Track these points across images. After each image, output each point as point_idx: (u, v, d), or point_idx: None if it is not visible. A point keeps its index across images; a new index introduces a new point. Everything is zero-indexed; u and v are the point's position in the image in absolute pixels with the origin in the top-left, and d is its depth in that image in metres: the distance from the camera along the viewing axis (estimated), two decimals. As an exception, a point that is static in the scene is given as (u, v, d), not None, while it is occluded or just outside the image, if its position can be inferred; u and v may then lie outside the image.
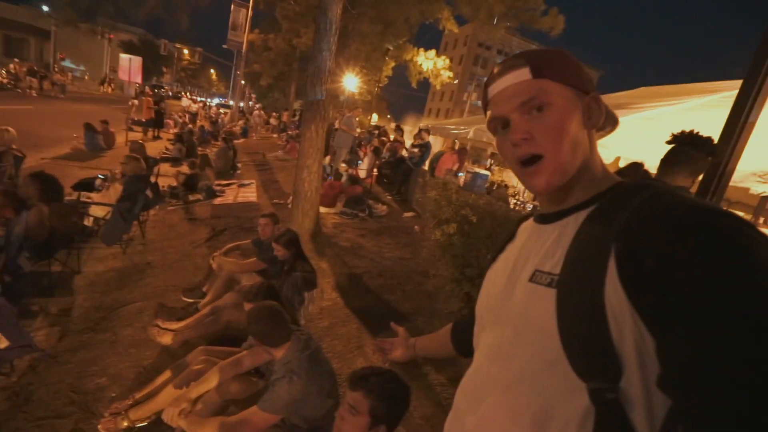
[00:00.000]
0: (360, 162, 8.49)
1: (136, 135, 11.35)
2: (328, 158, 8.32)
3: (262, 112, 14.82)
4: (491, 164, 10.36)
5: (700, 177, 1.91)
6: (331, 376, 1.82)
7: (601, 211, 0.56)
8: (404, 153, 8.31)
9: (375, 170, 8.49)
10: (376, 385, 1.22)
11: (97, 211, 4.01)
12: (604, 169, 0.63)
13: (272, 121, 20.90)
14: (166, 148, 10.25)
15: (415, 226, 5.81)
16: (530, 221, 0.72)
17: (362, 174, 7.91)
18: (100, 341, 2.59)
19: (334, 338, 3.00)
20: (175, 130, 12.52)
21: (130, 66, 9.84)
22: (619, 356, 0.48)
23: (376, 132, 11.70)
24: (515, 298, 0.63)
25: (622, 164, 3.97)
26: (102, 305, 2.99)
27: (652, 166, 1.89)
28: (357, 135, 9.42)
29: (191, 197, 6.24)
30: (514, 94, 0.60)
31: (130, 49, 31.39)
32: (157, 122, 12.64)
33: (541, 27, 7.73)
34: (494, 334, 0.67)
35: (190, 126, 13.37)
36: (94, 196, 4.34)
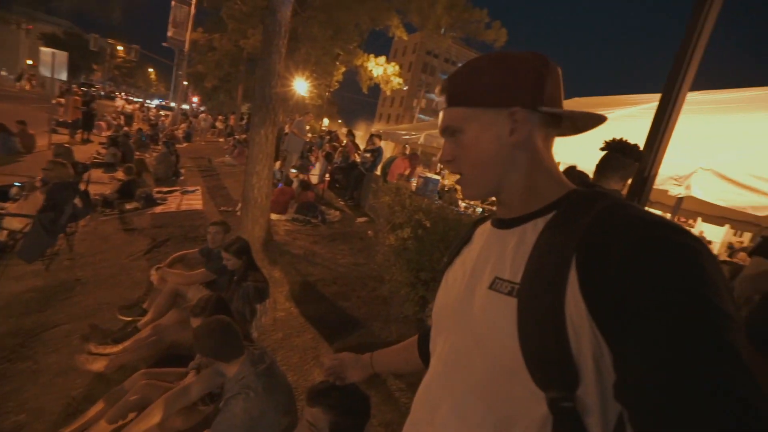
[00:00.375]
0: (312, 167, 8.36)
1: (62, 138, 10.32)
2: (278, 163, 8.10)
3: (209, 116, 14.03)
4: (441, 169, 10.66)
5: (629, 181, 2.10)
6: (288, 391, 1.75)
7: (560, 219, 0.57)
8: (356, 158, 8.31)
9: (327, 175, 8.40)
10: (335, 400, 1.18)
11: (12, 224, 3.57)
12: (557, 177, 0.63)
13: (218, 124, 19.98)
14: (98, 153, 9.41)
15: (369, 231, 5.82)
16: (487, 225, 0.71)
17: (314, 179, 7.79)
18: (17, 372, 2.29)
19: (289, 350, 2.91)
20: (108, 133, 11.54)
21: (53, 61, 8.90)
22: (577, 366, 0.48)
23: (328, 137, 11.60)
24: (474, 305, 0.62)
25: (561, 168, 4.27)
26: (20, 330, 2.66)
27: (586, 169, 2.04)
28: (308, 140, 9.28)
29: (128, 206, 5.77)
30: (440, 121, 0.67)
31: (53, 42, 28.49)
32: (86, 124, 11.58)
33: (486, 38, 8.13)
34: (452, 341, 0.66)
35: (126, 129, 12.40)
36: (10, 206, 3.87)
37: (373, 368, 1.05)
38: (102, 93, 35.28)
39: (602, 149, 1.86)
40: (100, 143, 10.71)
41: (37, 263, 3.48)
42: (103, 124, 13.44)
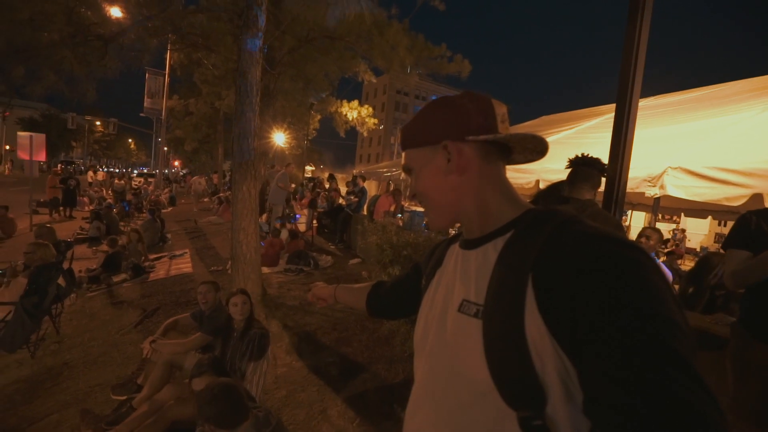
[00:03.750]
0: (297, 216, 8.39)
1: (43, 218, 10.22)
2: (264, 216, 8.12)
3: (202, 178, 13.81)
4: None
5: (603, 188, 2.19)
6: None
7: (516, 239, 0.59)
8: (341, 201, 8.39)
9: (314, 222, 8.42)
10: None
11: (-5, 314, 3.45)
12: (511, 198, 0.66)
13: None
14: (82, 228, 9.32)
15: (363, 272, 5.77)
16: (456, 246, 0.74)
17: (302, 227, 7.79)
18: (5, 474, 2.14)
19: (294, 407, 2.79)
20: (91, 207, 11.49)
21: (31, 144, 8.98)
22: (543, 384, 0.49)
23: (311, 185, 11.74)
24: (447, 329, 0.64)
25: (542, 185, 4.39)
26: (5, 428, 2.50)
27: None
28: (291, 190, 9.38)
29: (115, 278, 5.65)
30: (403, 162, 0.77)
31: (30, 125, 28.90)
32: (67, 200, 11.54)
33: (450, 72, 8.52)
34: (430, 365, 0.67)
35: (108, 200, 12.37)
36: (-9, 296, 3.75)
37: (335, 298, 1.21)
38: (82, 168, 35.42)
39: (568, 166, 1.95)
40: (84, 218, 10.63)
41: (22, 351, 3.33)
42: (85, 199, 13.40)
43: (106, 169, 36.49)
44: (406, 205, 6.48)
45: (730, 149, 3.17)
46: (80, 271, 5.44)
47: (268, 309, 4.51)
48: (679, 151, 3.44)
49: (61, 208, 11.46)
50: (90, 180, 18.62)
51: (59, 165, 20.28)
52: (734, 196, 2.82)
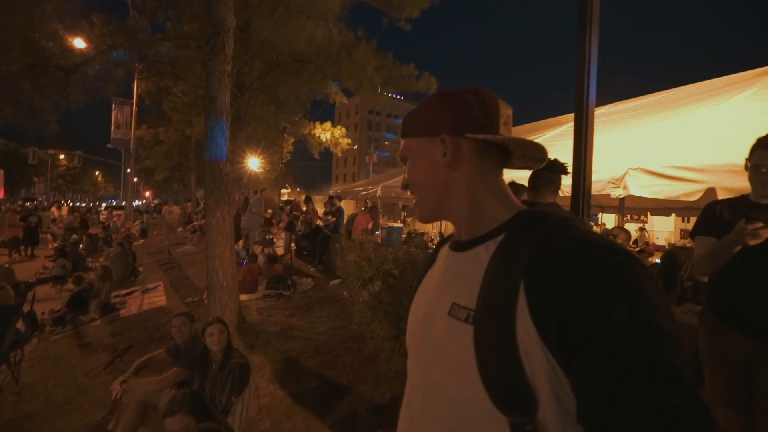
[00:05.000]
0: (273, 240, 8.27)
1: (1, 259, 9.66)
2: (240, 242, 7.95)
3: (175, 207, 13.16)
4: (404, 216, 10.87)
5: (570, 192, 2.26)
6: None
7: (508, 243, 0.58)
8: (319, 222, 8.33)
9: (293, 244, 8.30)
10: None
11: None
12: (505, 198, 0.65)
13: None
14: (45, 267, 8.85)
15: (344, 292, 5.70)
16: (446, 247, 0.73)
17: (280, 251, 7.66)
18: None
19: (278, 439, 2.68)
20: (56, 245, 10.95)
21: (-12, 183, 8.57)
22: (534, 390, 0.49)
23: (288, 208, 11.64)
24: (436, 332, 0.62)
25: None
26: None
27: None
28: (268, 215, 9.26)
29: (83, 318, 5.36)
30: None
31: (-12, 163, 27.56)
32: (29, 239, 10.98)
33: (419, 89, 8.77)
34: (420, 368, 0.66)
35: (74, 236, 11.82)
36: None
37: None
38: (45, 204, 33.90)
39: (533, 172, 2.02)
40: (47, 257, 10.11)
41: (-22, 406, 3.09)
42: (48, 236, 12.78)
43: (71, 204, 35.02)
44: (383, 221, 6.51)
45: (684, 148, 3.36)
46: (43, 313, 5.13)
47: (248, 337, 4.36)
48: (639, 153, 3.62)
49: (23, 247, 10.89)
50: (53, 216, 17.81)
51: (19, 202, 19.33)
52: (691, 191, 2.97)
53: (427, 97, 0.72)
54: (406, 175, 0.73)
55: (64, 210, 20.11)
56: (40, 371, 3.85)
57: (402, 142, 0.74)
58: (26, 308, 3.93)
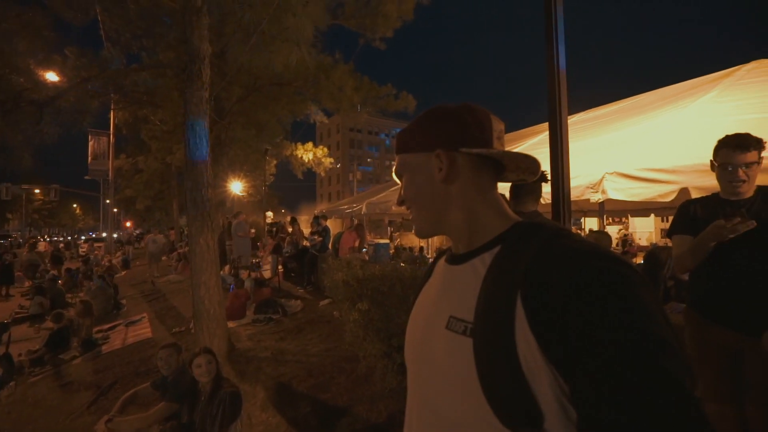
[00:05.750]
0: (260, 264, 8.17)
1: (-25, 301, 9.25)
2: (226, 268, 7.82)
3: (159, 237, 12.59)
4: (391, 232, 10.88)
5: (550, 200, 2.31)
6: None
7: (504, 255, 0.58)
8: (305, 243, 8.27)
9: (280, 267, 8.20)
10: None
11: None
12: (500, 211, 0.66)
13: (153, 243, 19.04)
14: (21, 306, 8.50)
15: (335, 312, 5.62)
16: (442, 261, 0.73)
17: (267, 274, 7.55)
18: None
19: (273, 469, 2.58)
20: (29, 283, 10.56)
21: (-42, 222, 8.27)
22: (539, 403, 0.48)
23: (274, 230, 11.52)
24: (435, 346, 0.62)
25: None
26: None
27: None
28: (253, 235, 9.15)
29: (64, 357, 5.13)
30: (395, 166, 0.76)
31: (-42, 203, 26.56)
32: (3, 278, 10.56)
33: (397, 108, 8.93)
34: (419, 383, 0.66)
35: (52, 272, 11.41)
36: None
37: None
38: (20, 241, 32.74)
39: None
40: (23, 295, 9.72)
41: (-50, 459, 2.90)
42: (22, 274, 12.31)
43: (48, 239, 33.87)
44: (369, 238, 6.49)
45: (655, 151, 3.48)
46: (20, 355, 4.91)
47: (238, 364, 4.24)
48: (614, 158, 3.73)
49: (-4, 287, 10.46)
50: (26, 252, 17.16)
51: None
52: (665, 192, 3.07)
53: (421, 114, 0.71)
54: (402, 192, 0.73)
55: (42, 245, 19.43)
56: (17, 416, 3.66)
57: (397, 158, 0.74)
58: (1, 351, 3.75)
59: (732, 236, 1.53)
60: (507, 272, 0.55)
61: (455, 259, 0.67)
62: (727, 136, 1.68)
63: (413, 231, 0.75)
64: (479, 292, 0.57)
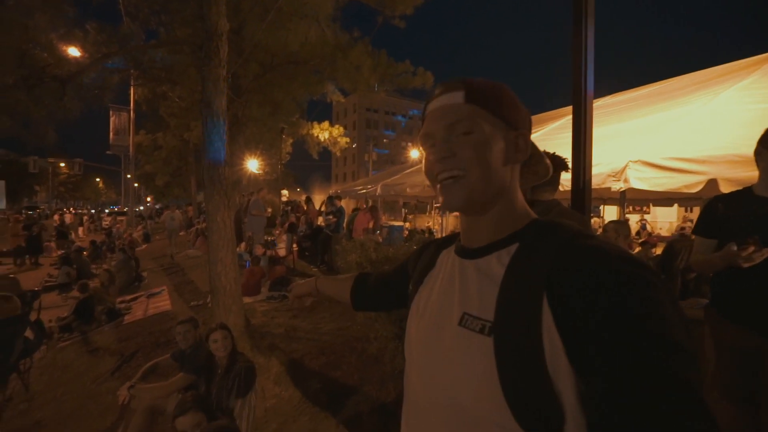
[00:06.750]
0: (275, 242, 8.29)
1: (5, 268, 9.72)
2: (242, 245, 7.97)
3: (177, 213, 12.82)
4: (405, 213, 10.86)
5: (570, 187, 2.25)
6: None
7: (524, 253, 0.57)
8: (320, 222, 8.34)
9: (295, 246, 8.32)
10: None
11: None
12: (524, 207, 0.65)
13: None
14: (50, 275, 8.89)
15: (348, 292, 5.71)
16: (451, 251, 0.70)
17: (282, 252, 7.68)
18: None
19: (286, 440, 2.69)
20: (59, 253, 11.02)
21: (-11, 193, 8.63)
22: (561, 405, 0.48)
23: (289, 208, 11.65)
24: (445, 342, 0.60)
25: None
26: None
27: None
28: (269, 214, 9.27)
29: (89, 325, 5.39)
30: (444, 115, 0.62)
31: (-12, 174, 27.62)
32: (32, 248, 11.04)
33: (415, 86, 8.74)
34: (425, 380, 0.63)
35: (77, 243, 11.87)
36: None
37: (318, 292, 1.17)
38: (48, 212, 34.04)
39: None
40: (52, 264, 10.17)
41: (-12, 416, 3.12)
42: (52, 244, 12.84)
43: (74, 212, 35.11)
44: (384, 220, 6.49)
45: (684, 139, 3.34)
46: (50, 321, 5.17)
47: (253, 340, 4.38)
48: (638, 145, 3.59)
49: (27, 256, 10.94)
50: (57, 224, 17.87)
51: (22, 211, 19.42)
52: (692, 183, 2.95)
53: (493, 81, 0.64)
54: (451, 145, 0.61)
55: (68, 217, 20.17)
56: (49, 379, 3.89)
57: (467, 107, 0.62)
58: (33, 317, 3.96)
59: (748, 264, 1.44)
60: (529, 272, 0.54)
61: (468, 253, 0.65)
62: None
63: (449, 200, 0.62)
64: (499, 292, 0.56)
